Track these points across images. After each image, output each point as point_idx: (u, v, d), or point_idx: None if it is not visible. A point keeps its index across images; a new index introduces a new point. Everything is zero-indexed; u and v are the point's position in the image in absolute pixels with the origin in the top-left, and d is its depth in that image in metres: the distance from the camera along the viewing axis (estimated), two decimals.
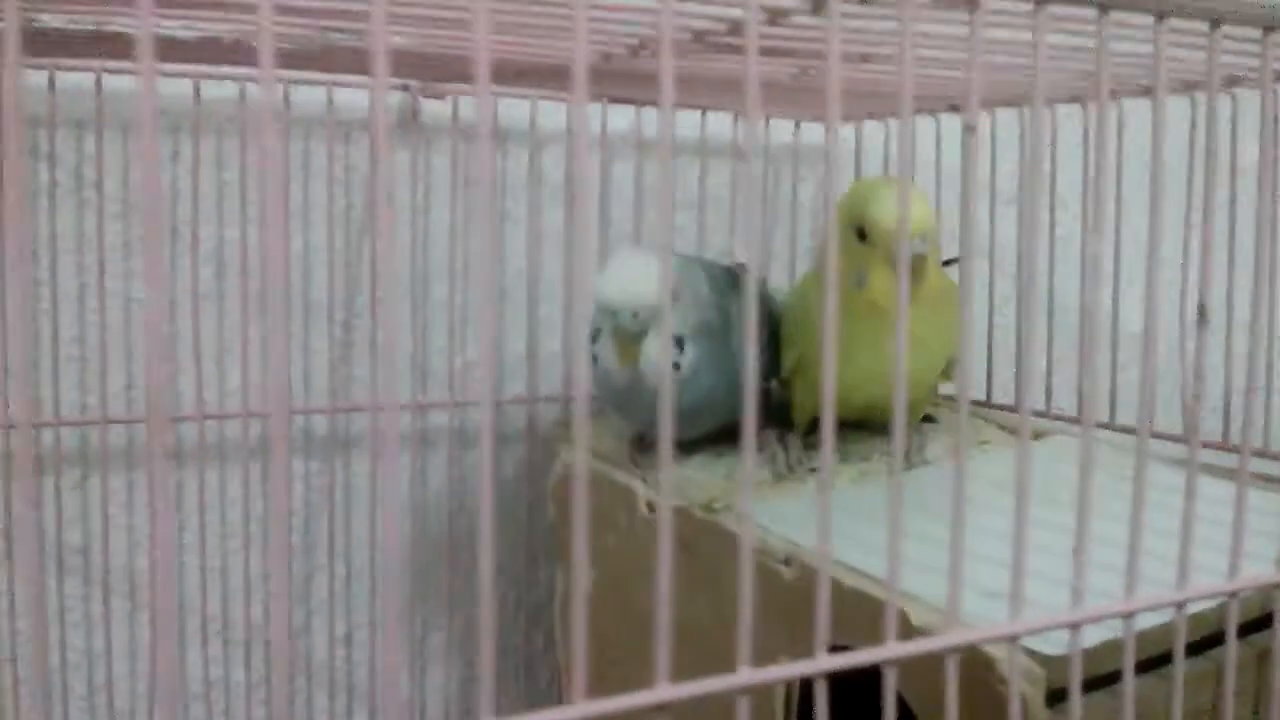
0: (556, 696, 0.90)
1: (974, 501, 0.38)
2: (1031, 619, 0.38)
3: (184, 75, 0.74)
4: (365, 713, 0.87)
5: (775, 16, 0.43)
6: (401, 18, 0.50)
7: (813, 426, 0.75)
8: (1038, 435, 0.75)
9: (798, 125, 0.92)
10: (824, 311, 0.35)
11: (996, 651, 0.44)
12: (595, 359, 0.66)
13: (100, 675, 0.79)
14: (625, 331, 0.63)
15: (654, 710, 0.33)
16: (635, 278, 0.62)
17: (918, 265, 0.63)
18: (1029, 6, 0.36)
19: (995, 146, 0.86)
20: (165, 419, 0.26)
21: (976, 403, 0.84)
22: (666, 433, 0.33)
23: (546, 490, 0.80)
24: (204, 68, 0.74)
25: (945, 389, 0.81)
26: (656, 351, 0.63)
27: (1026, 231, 0.37)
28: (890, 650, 0.36)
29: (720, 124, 0.88)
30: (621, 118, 0.87)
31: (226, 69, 0.74)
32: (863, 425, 0.73)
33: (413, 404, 0.83)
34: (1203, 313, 0.41)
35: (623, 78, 0.65)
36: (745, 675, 0.34)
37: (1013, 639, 0.38)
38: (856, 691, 0.45)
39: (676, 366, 0.66)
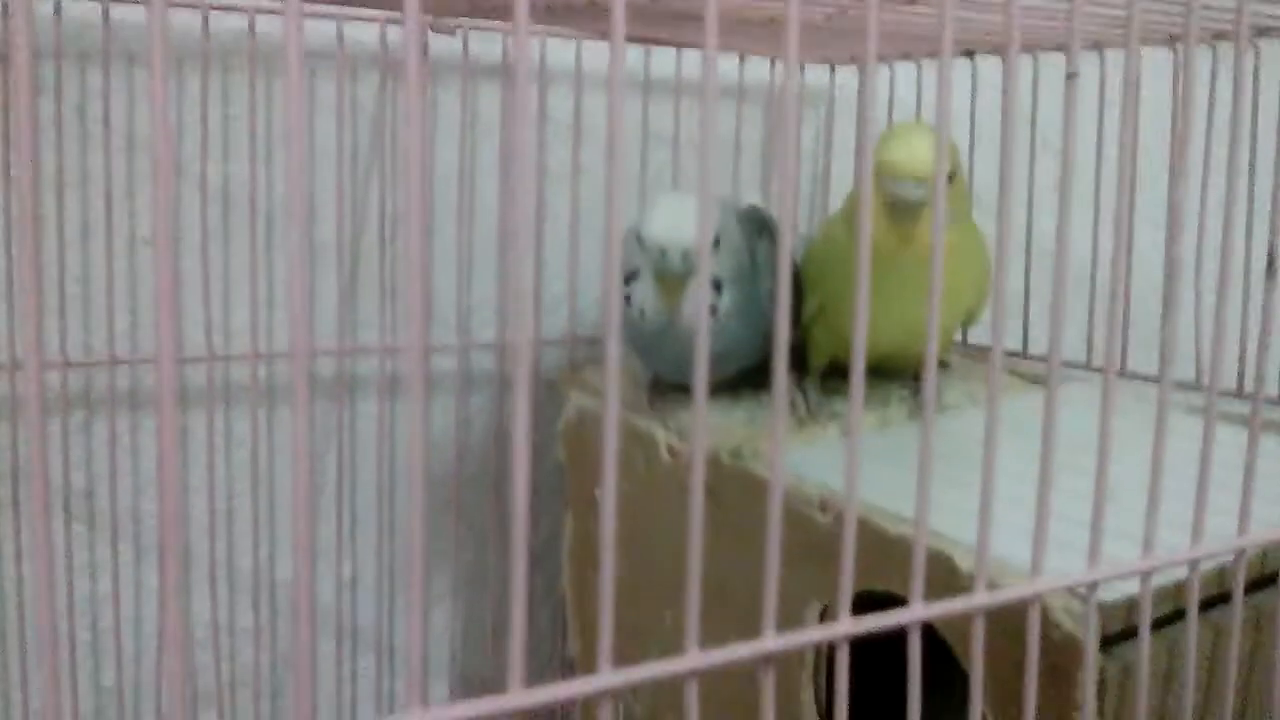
0: (559, 640, 0.90)
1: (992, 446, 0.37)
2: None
3: (192, 6, 0.72)
4: (370, 656, 0.86)
5: None
6: None
7: (828, 371, 0.74)
8: (1041, 381, 0.75)
9: (833, 69, 0.91)
10: (858, 258, 0.35)
11: (1053, 599, 0.45)
12: (628, 300, 0.65)
13: (106, 619, 0.78)
14: (672, 273, 0.63)
15: (684, 677, 0.32)
16: (683, 219, 0.62)
17: (913, 211, 0.62)
18: None
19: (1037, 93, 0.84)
20: (173, 361, 0.25)
21: (985, 348, 0.85)
22: (702, 379, 0.32)
23: (554, 434, 0.79)
24: None
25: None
26: (694, 290, 0.63)
27: (1064, 180, 0.36)
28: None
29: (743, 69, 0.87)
30: (629, 57, 0.86)
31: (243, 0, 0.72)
32: (878, 371, 0.73)
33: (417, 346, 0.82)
34: (1272, 263, 0.40)
35: (653, 18, 0.63)
36: (771, 641, 0.33)
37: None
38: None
39: (714, 311, 0.66)
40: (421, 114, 0.28)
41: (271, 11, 0.73)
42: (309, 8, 0.74)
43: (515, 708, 0.30)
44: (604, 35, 0.80)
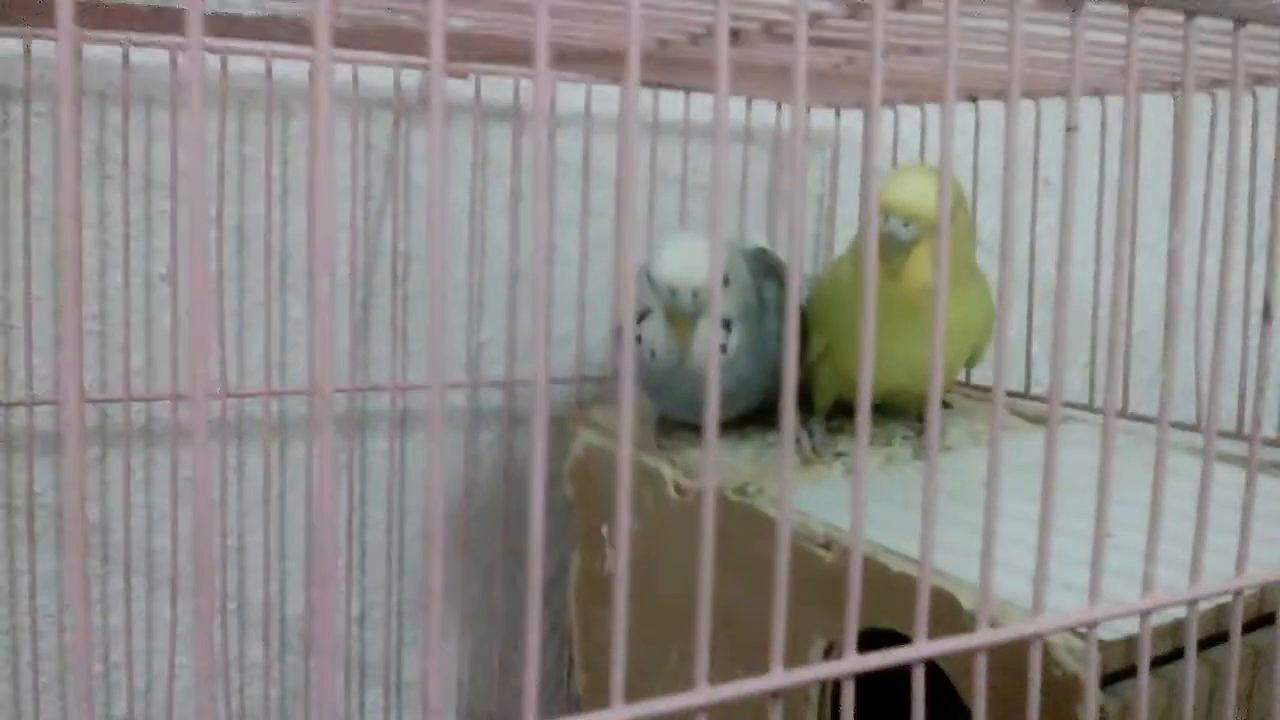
0: (565, 676, 0.90)
1: (988, 485, 0.38)
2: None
3: (210, 50, 0.74)
4: (378, 690, 0.87)
5: (856, 10, 0.43)
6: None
7: (833, 411, 0.75)
8: (1044, 421, 0.76)
9: (838, 113, 0.92)
10: (864, 299, 0.36)
11: (1054, 638, 0.45)
12: (638, 340, 0.66)
13: (117, 653, 0.79)
14: (683, 312, 0.64)
15: (694, 712, 0.33)
16: (694, 259, 0.63)
17: (902, 250, 0.63)
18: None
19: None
20: (202, 398, 0.26)
21: (988, 389, 0.86)
22: (713, 419, 0.33)
23: (560, 471, 0.80)
24: (230, 42, 0.73)
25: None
26: (704, 329, 0.64)
27: (1064, 226, 0.37)
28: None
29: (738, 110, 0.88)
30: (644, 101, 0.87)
31: (250, 44, 0.74)
32: (882, 410, 0.74)
33: (432, 384, 0.83)
34: (1268, 307, 0.41)
35: (664, 65, 0.65)
36: (779, 677, 0.34)
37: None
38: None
39: (723, 349, 0.67)
40: (443, 156, 0.29)
41: (288, 56, 0.75)
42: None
43: None
44: (616, 80, 0.82)
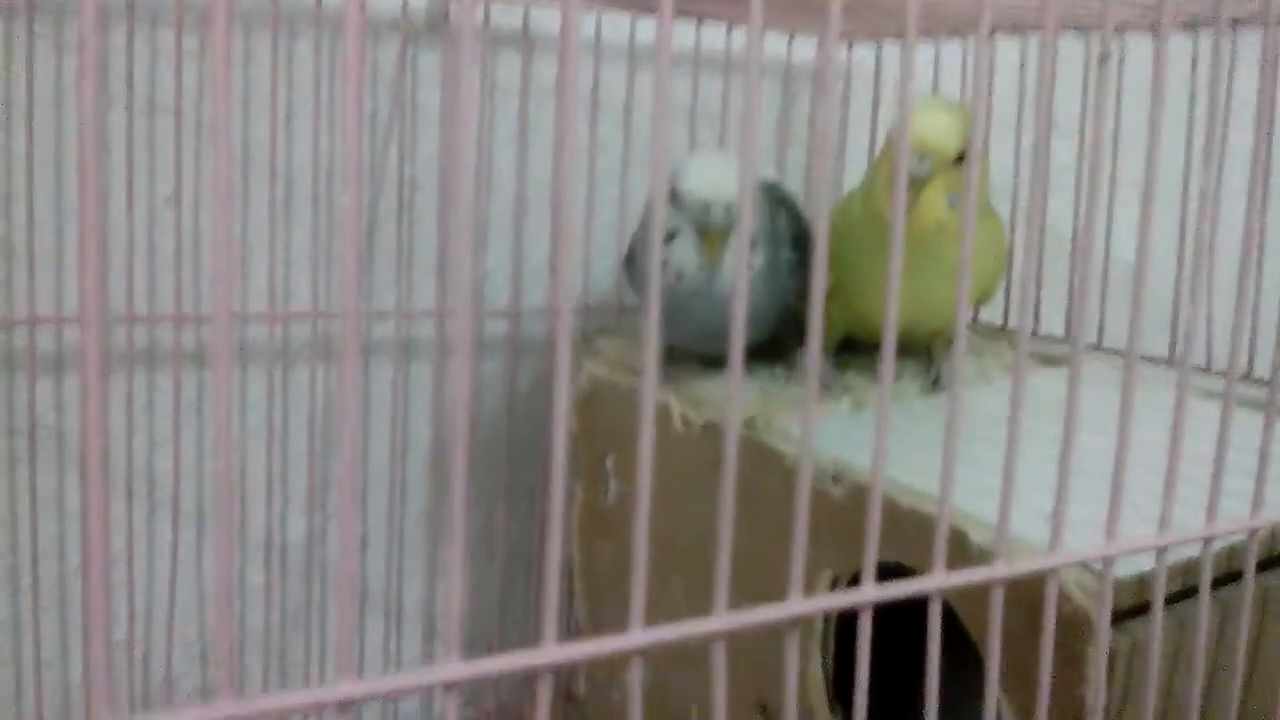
0: (568, 604, 0.90)
1: (1004, 424, 0.38)
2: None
3: None
4: (379, 617, 0.87)
5: None
6: None
7: (841, 345, 0.75)
8: (1051, 361, 0.76)
9: (850, 45, 0.91)
10: (885, 234, 0.35)
11: (1065, 573, 0.45)
12: (665, 264, 0.66)
13: (117, 575, 0.79)
14: (715, 227, 0.63)
15: (711, 638, 0.33)
16: (722, 175, 0.62)
17: (913, 185, 0.63)
18: None
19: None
20: (225, 320, 0.26)
21: (995, 327, 0.85)
22: (739, 342, 0.32)
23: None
24: None
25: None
26: (733, 251, 0.64)
27: (1090, 165, 0.37)
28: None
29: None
30: (649, 30, 0.86)
31: None
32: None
33: (437, 311, 0.82)
34: None
35: None
36: (796, 605, 0.34)
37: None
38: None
39: (750, 268, 0.66)
40: (471, 94, 0.28)
41: None
42: None
43: (549, 663, 0.31)
44: (627, 7, 0.81)
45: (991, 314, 0.86)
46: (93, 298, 0.25)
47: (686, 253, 0.65)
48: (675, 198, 0.64)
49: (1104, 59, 0.34)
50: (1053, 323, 0.84)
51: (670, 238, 0.65)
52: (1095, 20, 0.73)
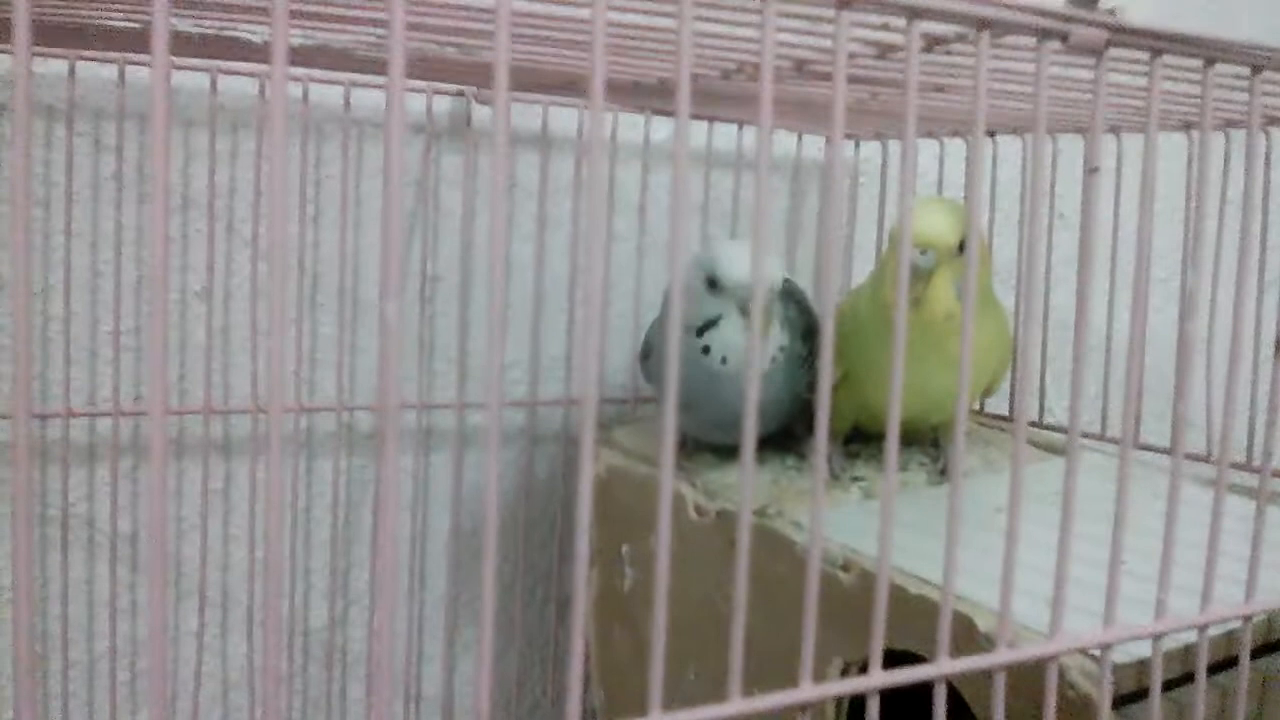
0: (584, 690, 0.91)
1: (1008, 512, 0.40)
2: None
3: (251, 74, 0.76)
4: (399, 699, 0.88)
5: (885, 51, 0.45)
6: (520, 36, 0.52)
7: (850, 436, 0.77)
8: (1056, 450, 0.78)
9: (858, 144, 0.94)
10: (889, 328, 0.37)
11: (1068, 660, 0.47)
12: (706, 351, 0.68)
13: (144, 661, 0.80)
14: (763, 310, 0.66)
15: None
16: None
17: (918, 278, 0.65)
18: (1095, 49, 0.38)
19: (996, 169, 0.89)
20: (280, 410, 0.28)
21: (1001, 417, 0.87)
22: (750, 433, 0.35)
23: (575, 491, 0.82)
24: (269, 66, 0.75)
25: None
26: (775, 331, 0.68)
27: (1083, 264, 0.39)
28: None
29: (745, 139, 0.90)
30: (663, 129, 0.89)
31: (297, 70, 0.76)
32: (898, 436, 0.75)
33: (457, 402, 0.85)
34: (1279, 345, 0.43)
35: (694, 97, 0.67)
36: (807, 690, 0.36)
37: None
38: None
39: (782, 350, 0.69)
40: (506, 192, 0.31)
41: (325, 82, 0.77)
42: (364, 79, 0.77)
43: None
44: (641, 110, 0.84)
45: (999, 405, 0.88)
46: (157, 404, 0.28)
47: (731, 338, 0.67)
48: (714, 285, 0.67)
49: (1092, 171, 0.37)
50: (1060, 413, 0.86)
51: (709, 325, 0.67)
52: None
